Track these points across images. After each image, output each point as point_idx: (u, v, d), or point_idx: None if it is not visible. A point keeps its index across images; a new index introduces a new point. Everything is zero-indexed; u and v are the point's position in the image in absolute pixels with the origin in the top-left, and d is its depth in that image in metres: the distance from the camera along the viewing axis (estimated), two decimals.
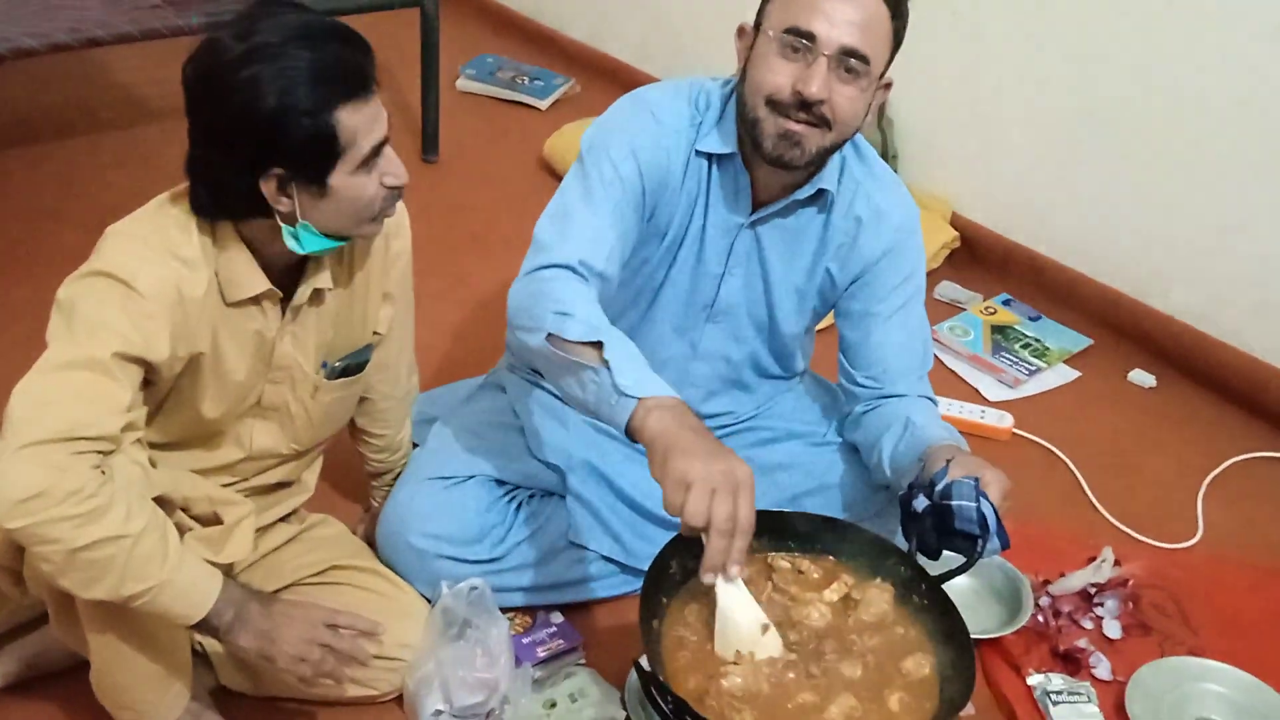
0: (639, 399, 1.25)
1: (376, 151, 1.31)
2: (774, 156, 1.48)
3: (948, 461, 1.40)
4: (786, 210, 1.60)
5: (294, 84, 1.23)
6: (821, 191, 1.58)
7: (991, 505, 1.34)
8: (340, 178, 1.29)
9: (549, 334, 1.33)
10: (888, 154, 2.87)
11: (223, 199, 1.30)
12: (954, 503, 1.34)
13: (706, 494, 1.17)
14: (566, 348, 1.31)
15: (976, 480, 1.35)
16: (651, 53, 3.57)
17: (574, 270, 1.43)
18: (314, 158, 1.26)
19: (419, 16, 2.95)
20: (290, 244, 1.31)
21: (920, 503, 1.37)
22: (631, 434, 1.26)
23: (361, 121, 1.27)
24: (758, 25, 1.49)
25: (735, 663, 1.25)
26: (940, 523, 1.36)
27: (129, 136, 3.06)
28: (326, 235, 1.33)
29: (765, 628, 1.25)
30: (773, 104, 1.45)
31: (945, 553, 1.39)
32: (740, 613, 1.24)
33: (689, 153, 1.56)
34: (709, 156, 1.56)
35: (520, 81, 3.57)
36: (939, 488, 1.36)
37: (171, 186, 1.35)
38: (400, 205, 1.54)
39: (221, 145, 1.26)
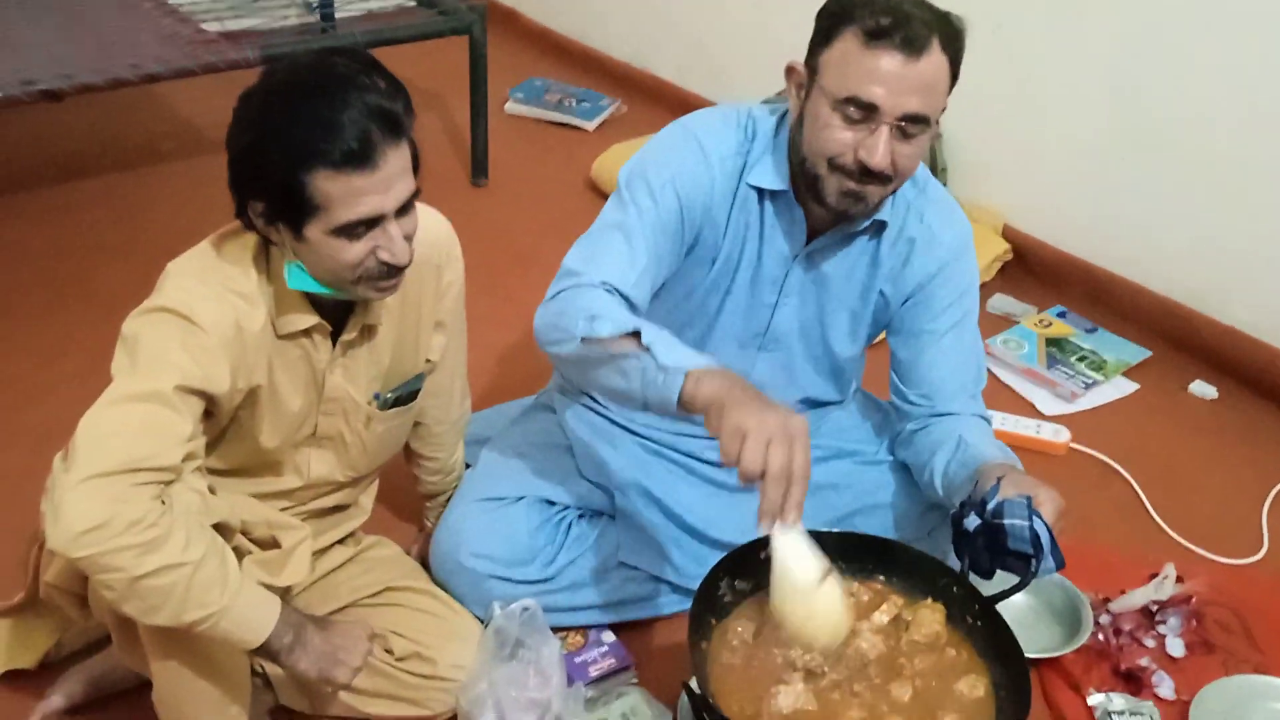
0: (686, 371, 1.26)
1: (368, 224, 1.27)
2: (838, 211, 1.49)
3: (999, 480, 1.38)
4: (842, 241, 1.60)
5: (277, 130, 1.23)
6: (877, 222, 1.58)
7: (1045, 524, 1.33)
8: (315, 233, 1.27)
9: (582, 337, 1.34)
10: (937, 167, 2.85)
11: (238, 211, 1.32)
12: (1006, 521, 1.32)
13: (762, 443, 1.18)
14: (602, 344, 1.33)
15: (1029, 499, 1.33)
16: (693, 72, 3.58)
17: (599, 288, 1.44)
18: (285, 206, 1.26)
19: (468, 43, 3.00)
20: (285, 275, 1.32)
21: (972, 521, 1.36)
22: (685, 405, 1.27)
23: (342, 192, 1.24)
24: (812, 70, 1.45)
25: (787, 677, 1.25)
26: (993, 542, 1.34)
27: (189, 169, 3.14)
28: (319, 281, 1.32)
29: (825, 574, 1.23)
30: (835, 166, 1.44)
31: (999, 572, 1.37)
32: (797, 561, 1.23)
33: (738, 182, 1.56)
34: (760, 190, 1.56)
35: (567, 104, 3.60)
36: (991, 506, 1.34)
37: (228, 218, 1.38)
38: (452, 235, 1.56)
39: (228, 157, 1.29)
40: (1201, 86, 2.39)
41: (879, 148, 1.40)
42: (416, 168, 1.32)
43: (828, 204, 1.48)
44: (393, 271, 1.32)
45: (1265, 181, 2.34)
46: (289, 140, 1.23)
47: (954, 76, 1.43)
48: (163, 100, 3.45)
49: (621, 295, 1.45)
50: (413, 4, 3.25)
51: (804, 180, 1.50)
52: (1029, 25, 2.66)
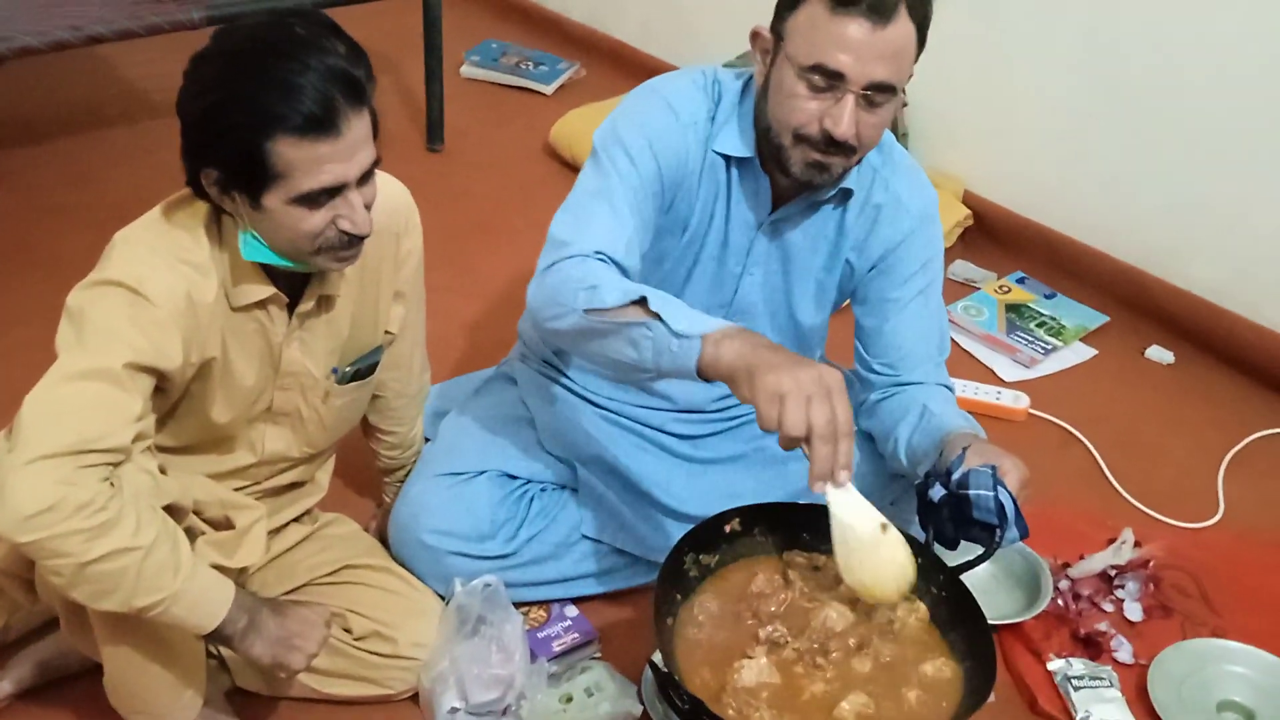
0: (703, 335, 1.23)
1: (329, 193, 1.24)
2: (803, 181, 1.47)
3: (964, 449, 1.38)
4: (808, 210, 1.58)
5: (236, 95, 1.19)
6: (842, 190, 1.56)
7: (1010, 494, 1.32)
8: (274, 202, 1.23)
9: (585, 309, 1.31)
10: (899, 133, 2.83)
11: (190, 179, 1.28)
12: (971, 492, 1.32)
13: (802, 403, 1.16)
14: (607, 315, 1.30)
15: (994, 468, 1.33)
16: (655, 34, 3.53)
17: (593, 258, 1.40)
18: (243, 173, 1.22)
19: (421, 4, 2.93)
20: (240, 245, 1.29)
21: (937, 492, 1.35)
22: (704, 372, 1.24)
23: (303, 159, 1.20)
24: (778, 36, 1.42)
25: (751, 651, 1.24)
26: (958, 512, 1.34)
27: (135, 132, 3.06)
28: (275, 251, 1.29)
29: (884, 526, 1.24)
30: (799, 137, 1.42)
31: (963, 542, 1.37)
32: (855, 517, 1.23)
33: (705, 148, 1.53)
34: (727, 157, 1.54)
35: (525, 67, 3.54)
36: (956, 476, 1.34)
37: (177, 183, 1.33)
38: (411, 203, 1.52)
39: (181, 123, 1.24)
40: (1168, 52, 2.38)
41: (844, 118, 1.38)
42: (376, 135, 1.28)
43: (792, 174, 1.46)
44: (353, 241, 1.29)
45: (1225, 146, 2.35)
46: (248, 105, 1.18)
47: (921, 44, 1.41)
48: (107, 63, 3.35)
49: (615, 263, 1.41)
50: None
51: (768, 149, 1.48)
52: None
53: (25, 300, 2.35)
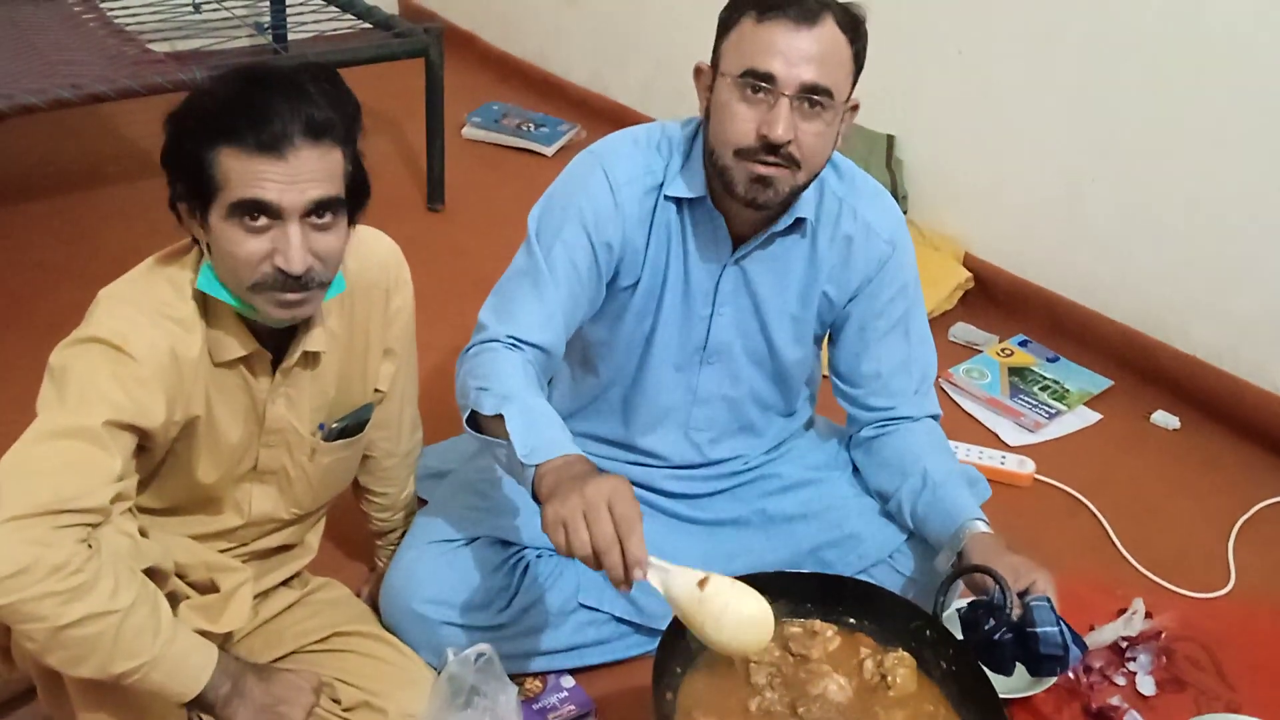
0: (535, 466, 1.25)
1: (266, 212, 1.20)
2: (748, 200, 1.47)
3: (1001, 582, 1.39)
4: (766, 243, 1.58)
5: (202, 108, 1.21)
6: (799, 220, 1.56)
7: (1063, 621, 1.35)
8: (216, 219, 1.22)
9: (472, 411, 1.35)
10: (898, 194, 2.84)
11: (171, 204, 1.28)
12: (1039, 630, 1.34)
13: (580, 524, 1.16)
14: (486, 425, 1.34)
15: (1049, 600, 1.36)
16: (654, 96, 3.55)
17: (502, 343, 1.44)
18: (193, 184, 1.22)
19: (424, 66, 2.95)
20: (197, 277, 1.28)
21: (994, 629, 1.36)
22: (537, 500, 1.25)
23: (241, 172, 1.19)
24: (715, 65, 1.46)
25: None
26: (1022, 649, 1.37)
27: (134, 190, 3.05)
28: (223, 284, 1.26)
29: (701, 583, 1.19)
30: (740, 152, 1.43)
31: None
32: (676, 588, 1.19)
33: (655, 200, 1.54)
34: (679, 201, 1.54)
35: (526, 128, 3.56)
36: (1014, 617, 1.35)
37: (171, 241, 1.32)
38: (401, 260, 1.51)
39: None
40: (1165, 113, 2.39)
41: (780, 120, 1.39)
42: (357, 187, 1.28)
43: (737, 194, 1.46)
44: (289, 283, 1.23)
45: (1226, 210, 2.34)
46: (206, 117, 1.20)
47: (857, 61, 1.43)
48: (108, 121, 3.36)
49: (532, 345, 1.45)
50: (368, 26, 3.19)
51: (715, 175, 1.49)
52: (990, 51, 2.65)
53: (15, 359, 2.31)
